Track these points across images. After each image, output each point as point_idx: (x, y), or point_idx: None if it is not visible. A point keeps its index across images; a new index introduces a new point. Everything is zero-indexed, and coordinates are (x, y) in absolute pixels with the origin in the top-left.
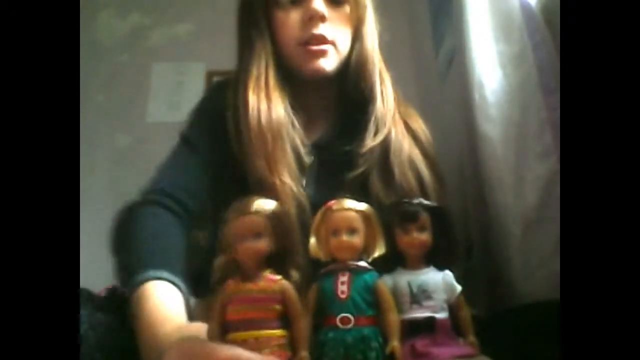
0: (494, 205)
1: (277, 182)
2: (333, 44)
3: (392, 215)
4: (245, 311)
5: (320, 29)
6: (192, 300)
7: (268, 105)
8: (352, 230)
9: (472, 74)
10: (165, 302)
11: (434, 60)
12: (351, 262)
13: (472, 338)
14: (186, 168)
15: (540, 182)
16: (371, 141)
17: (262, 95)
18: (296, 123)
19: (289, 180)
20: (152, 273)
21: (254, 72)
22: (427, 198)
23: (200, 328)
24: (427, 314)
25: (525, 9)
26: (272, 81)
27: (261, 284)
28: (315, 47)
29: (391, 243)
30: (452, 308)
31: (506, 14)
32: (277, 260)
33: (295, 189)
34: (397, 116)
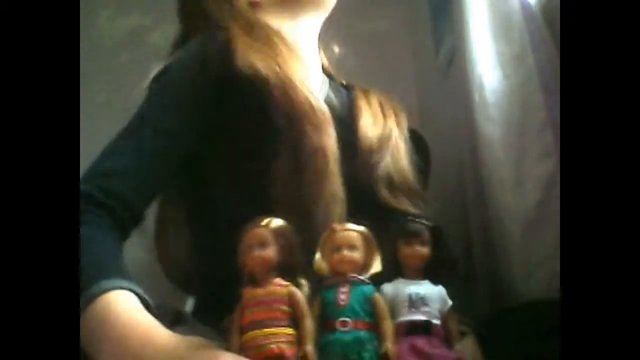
0: (494, 205)
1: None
2: None
3: (396, 230)
4: (256, 313)
5: None
6: (191, 300)
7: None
8: (352, 247)
9: (472, 74)
10: (137, 311)
11: (434, 60)
12: (351, 275)
13: (458, 347)
14: (144, 159)
15: (540, 182)
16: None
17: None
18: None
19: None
20: (105, 284)
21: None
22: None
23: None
24: (424, 318)
25: (525, 9)
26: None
27: (269, 288)
28: None
29: (392, 255)
30: (443, 320)
31: (506, 14)
32: (287, 272)
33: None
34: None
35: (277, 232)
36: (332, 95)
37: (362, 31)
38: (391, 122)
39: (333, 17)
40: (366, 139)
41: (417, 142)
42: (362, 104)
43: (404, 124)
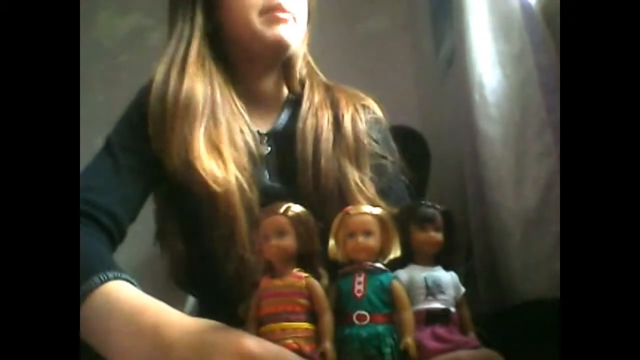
0: (494, 205)
1: (200, 171)
2: (293, 16)
3: (409, 215)
4: (273, 305)
5: None
6: (191, 299)
7: (180, 81)
8: (367, 233)
9: (472, 74)
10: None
11: (434, 60)
12: (367, 263)
13: (472, 334)
14: (122, 174)
15: (540, 182)
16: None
17: (175, 71)
18: (240, 109)
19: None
20: (101, 276)
21: (172, 47)
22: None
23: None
24: (443, 306)
25: (525, 9)
26: (193, 55)
27: (288, 279)
28: (277, 14)
29: (404, 241)
30: (456, 306)
31: (506, 14)
32: (306, 261)
33: (237, 176)
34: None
35: (296, 219)
36: (282, 130)
37: (362, 31)
38: (325, 138)
39: (334, 18)
40: (304, 163)
41: (416, 142)
42: (300, 127)
43: (360, 116)
